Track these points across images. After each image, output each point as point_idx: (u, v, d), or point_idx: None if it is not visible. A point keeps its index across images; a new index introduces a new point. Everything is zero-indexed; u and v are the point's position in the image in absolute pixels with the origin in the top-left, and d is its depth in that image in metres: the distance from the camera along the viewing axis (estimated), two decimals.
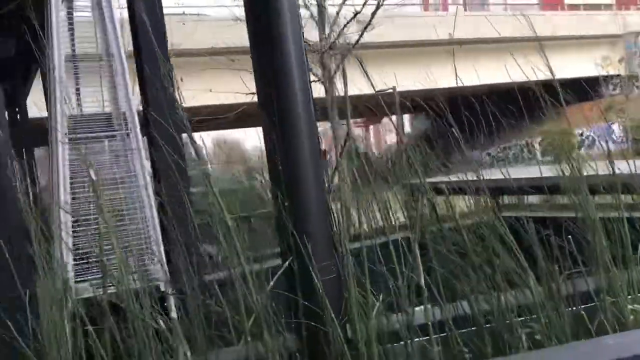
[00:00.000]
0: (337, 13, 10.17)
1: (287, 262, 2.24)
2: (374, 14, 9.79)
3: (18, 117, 11.67)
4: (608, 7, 34.28)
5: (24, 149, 11.16)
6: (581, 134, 30.99)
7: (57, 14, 2.98)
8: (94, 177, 2.55)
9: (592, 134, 29.66)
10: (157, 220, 2.91)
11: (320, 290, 2.13)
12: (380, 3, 10.14)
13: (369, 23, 9.71)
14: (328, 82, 9.32)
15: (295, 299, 2.23)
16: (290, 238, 2.22)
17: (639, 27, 30.09)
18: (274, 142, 2.31)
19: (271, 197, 2.43)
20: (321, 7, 9.94)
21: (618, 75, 26.51)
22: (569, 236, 2.44)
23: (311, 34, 10.14)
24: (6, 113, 11.10)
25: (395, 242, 2.35)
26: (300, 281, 2.22)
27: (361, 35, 9.54)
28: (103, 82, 3.26)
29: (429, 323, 2.15)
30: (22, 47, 10.35)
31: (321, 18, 10.00)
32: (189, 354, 1.76)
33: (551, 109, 2.69)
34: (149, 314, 1.91)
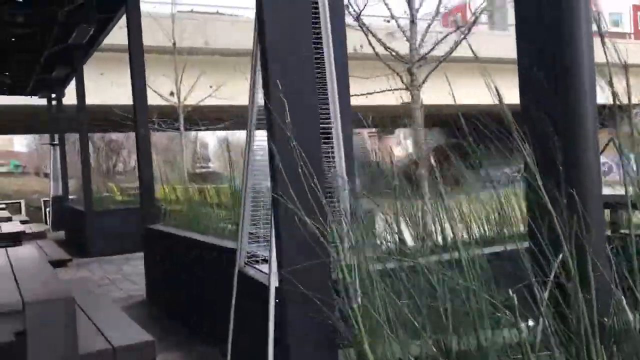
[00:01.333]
0: (428, 25, 10.42)
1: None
2: (468, 32, 10.06)
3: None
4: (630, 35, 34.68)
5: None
6: None
7: (325, 13, 3.00)
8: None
9: (609, 161, 29.92)
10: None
11: (604, 275, 2.18)
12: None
13: (463, 39, 9.91)
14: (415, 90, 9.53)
15: (559, 284, 2.27)
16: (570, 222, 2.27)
17: None
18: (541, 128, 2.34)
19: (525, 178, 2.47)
20: (413, 21, 10.24)
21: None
22: None
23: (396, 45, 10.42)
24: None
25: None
26: (577, 265, 2.27)
27: (454, 49, 9.72)
28: None
29: None
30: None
31: (412, 31, 10.28)
32: (528, 325, 1.81)
33: None
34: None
